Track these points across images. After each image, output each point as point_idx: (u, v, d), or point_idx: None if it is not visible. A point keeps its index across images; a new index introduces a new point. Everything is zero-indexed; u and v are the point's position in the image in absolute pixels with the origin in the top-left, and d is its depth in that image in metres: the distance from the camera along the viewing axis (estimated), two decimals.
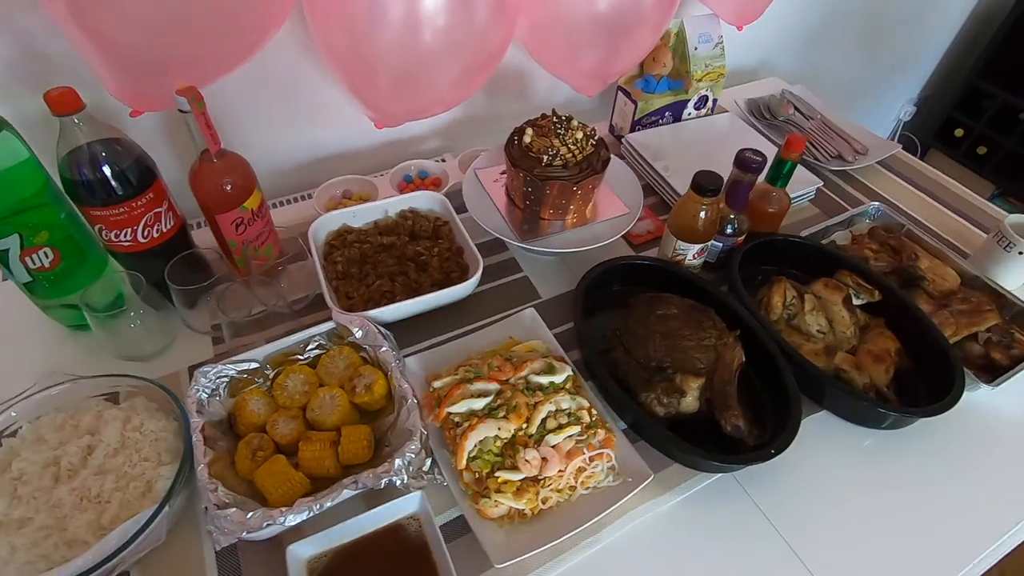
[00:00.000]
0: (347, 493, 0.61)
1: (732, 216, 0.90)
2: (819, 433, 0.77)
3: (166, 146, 0.95)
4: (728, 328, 0.79)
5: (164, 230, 0.79)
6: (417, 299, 0.82)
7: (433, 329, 0.86)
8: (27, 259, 0.73)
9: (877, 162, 1.20)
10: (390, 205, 0.96)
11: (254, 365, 0.74)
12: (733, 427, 0.69)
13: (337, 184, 1.03)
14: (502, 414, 0.69)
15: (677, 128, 1.19)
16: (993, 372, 0.83)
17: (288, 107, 1.03)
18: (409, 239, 0.93)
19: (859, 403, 0.76)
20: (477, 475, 0.66)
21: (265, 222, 0.85)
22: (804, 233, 0.99)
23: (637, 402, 0.73)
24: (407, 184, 1.07)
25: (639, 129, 1.17)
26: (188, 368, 0.80)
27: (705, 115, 1.23)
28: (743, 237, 0.92)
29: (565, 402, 0.71)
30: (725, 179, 0.82)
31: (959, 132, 2.15)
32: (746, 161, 0.83)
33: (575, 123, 0.89)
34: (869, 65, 1.88)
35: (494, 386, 0.71)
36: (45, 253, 0.74)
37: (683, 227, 0.85)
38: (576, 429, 0.69)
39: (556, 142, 0.86)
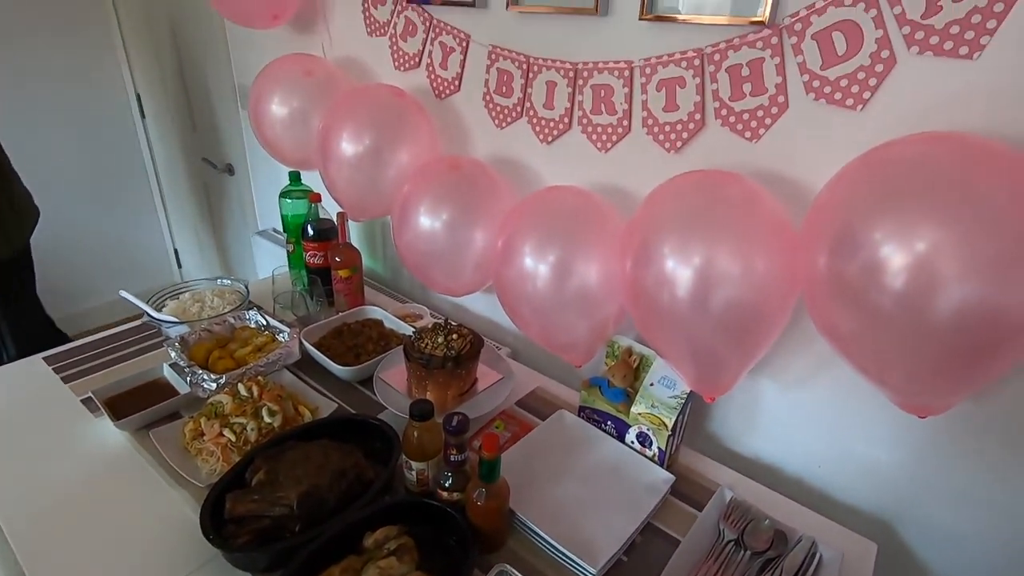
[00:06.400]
0: None
1: (447, 472, 0.96)
2: None
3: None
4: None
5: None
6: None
7: None
8: None
9: None
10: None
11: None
12: None
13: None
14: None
15: (602, 443, 1.13)
16: None
17: None
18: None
19: None
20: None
21: (349, 289, 1.54)
22: None
23: None
24: None
25: (583, 416, 1.18)
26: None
27: (651, 458, 1.08)
28: (453, 495, 0.95)
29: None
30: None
31: None
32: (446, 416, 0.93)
33: (453, 337, 1.17)
34: None
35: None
36: None
37: (404, 439, 1.01)
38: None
39: (428, 336, 1.18)
